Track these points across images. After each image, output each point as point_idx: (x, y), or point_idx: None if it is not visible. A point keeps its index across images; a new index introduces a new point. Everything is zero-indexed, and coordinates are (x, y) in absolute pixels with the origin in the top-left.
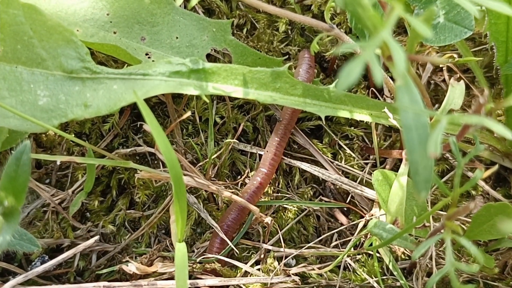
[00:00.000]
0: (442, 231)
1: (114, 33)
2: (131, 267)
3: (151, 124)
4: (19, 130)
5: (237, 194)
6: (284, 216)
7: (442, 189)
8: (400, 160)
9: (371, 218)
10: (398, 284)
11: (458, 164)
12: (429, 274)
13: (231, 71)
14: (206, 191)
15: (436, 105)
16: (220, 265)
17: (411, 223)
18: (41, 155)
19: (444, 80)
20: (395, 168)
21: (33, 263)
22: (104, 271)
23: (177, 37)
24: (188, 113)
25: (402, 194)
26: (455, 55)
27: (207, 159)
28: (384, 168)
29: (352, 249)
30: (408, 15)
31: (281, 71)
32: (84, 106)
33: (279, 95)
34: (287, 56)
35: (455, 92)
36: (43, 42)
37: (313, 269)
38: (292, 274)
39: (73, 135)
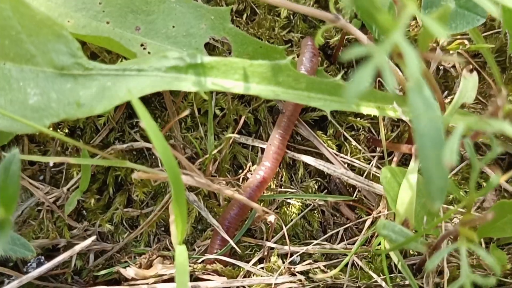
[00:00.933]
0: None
1: (107, 23)
2: (129, 271)
3: (147, 125)
4: (8, 131)
5: (239, 189)
6: (288, 212)
7: (456, 195)
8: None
9: (379, 215)
10: (407, 282)
11: (473, 168)
12: (440, 272)
13: (230, 65)
14: None
15: (446, 92)
16: (222, 266)
17: (421, 224)
18: (33, 157)
19: (454, 66)
20: (403, 159)
21: (28, 264)
22: (102, 272)
23: (173, 26)
24: (187, 112)
25: (412, 193)
26: (466, 41)
27: (207, 155)
28: (391, 160)
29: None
30: (421, 12)
31: (284, 64)
32: (77, 105)
33: (282, 89)
34: (290, 43)
35: (468, 85)
36: (32, 37)
37: (319, 267)
38: (297, 272)
39: (66, 130)
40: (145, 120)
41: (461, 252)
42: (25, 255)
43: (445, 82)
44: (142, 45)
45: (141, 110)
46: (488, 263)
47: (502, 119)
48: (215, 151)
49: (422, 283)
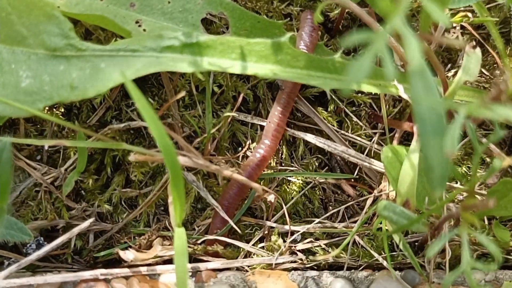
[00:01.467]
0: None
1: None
2: (128, 255)
3: (142, 108)
4: (1, 115)
5: (238, 169)
6: (288, 190)
7: (458, 179)
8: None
9: (380, 194)
10: (409, 260)
11: (476, 152)
12: (442, 251)
13: (227, 44)
14: None
15: (449, 65)
16: (222, 247)
17: (423, 204)
18: (28, 140)
19: (457, 38)
20: (405, 135)
21: (28, 245)
22: (102, 253)
23: (169, 2)
24: (183, 93)
25: (414, 173)
26: (469, 14)
27: (205, 134)
28: (393, 136)
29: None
30: None
31: (282, 42)
32: (70, 88)
33: (280, 68)
34: (289, 17)
35: (471, 62)
36: (22, 18)
37: (320, 245)
38: (298, 250)
39: (62, 109)
40: (140, 103)
41: (462, 239)
42: (23, 239)
43: (448, 54)
44: (137, 22)
45: (135, 94)
46: (490, 250)
47: (505, 103)
48: (214, 130)
49: (424, 261)
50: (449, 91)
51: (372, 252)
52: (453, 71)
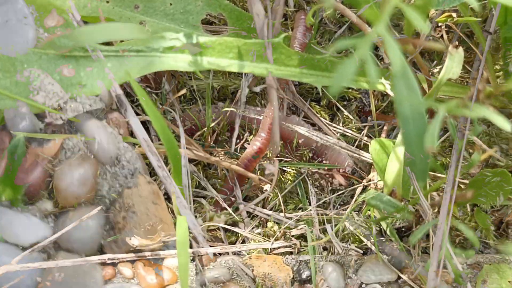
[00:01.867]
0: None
1: (107, 2)
2: (134, 241)
3: (146, 106)
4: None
5: (237, 158)
6: (283, 179)
7: (439, 171)
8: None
9: (369, 183)
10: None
11: (455, 147)
12: (427, 235)
13: (225, 45)
14: None
15: (435, 62)
16: (222, 233)
17: (408, 193)
18: (39, 134)
19: (442, 36)
20: (393, 126)
21: None
22: (109, 239)
23: (171, 4)
24: (184, 91)
25: (399, 164)
26: (454, 14)
27: (205, 128)
28: (381, 129)
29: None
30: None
31: (276, 42)
32: (79, 86)
33: (275, 66)
34: (284, 18)
35: (454, 61)
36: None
37: (312, 231)
38: (292, 236)
39: (71, 105)
40: (144, 101)
41: (444, 227)
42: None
43: (433, 52)
44: (141, 23)
45: (140, 92)
46: (469, 237)
47: (483, 102)
48: (213, 123)
49: (409, 246)
50: (432, 89)
51: (361, 237)
52: (438, 67)
